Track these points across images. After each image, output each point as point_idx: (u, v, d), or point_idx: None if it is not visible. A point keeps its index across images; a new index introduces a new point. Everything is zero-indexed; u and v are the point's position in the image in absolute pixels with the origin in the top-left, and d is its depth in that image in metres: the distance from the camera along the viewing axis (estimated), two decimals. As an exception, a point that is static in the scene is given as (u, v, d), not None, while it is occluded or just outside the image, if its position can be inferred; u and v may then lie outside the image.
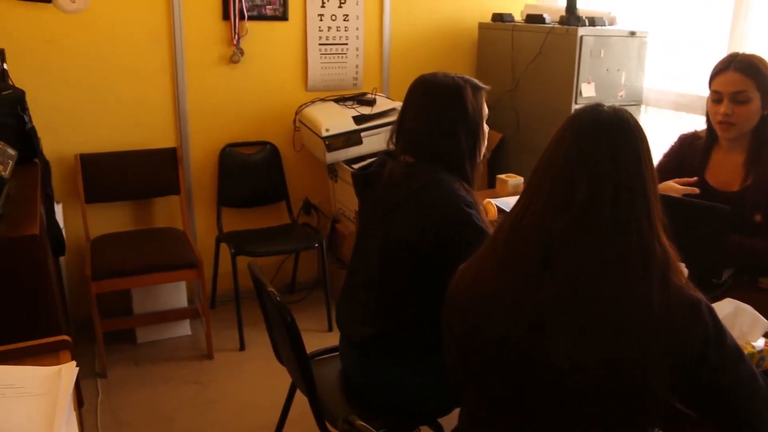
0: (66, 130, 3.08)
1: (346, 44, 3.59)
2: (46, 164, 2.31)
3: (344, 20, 3.54)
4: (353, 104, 3.40)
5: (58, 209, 2.80)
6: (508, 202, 2.49)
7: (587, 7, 3.50)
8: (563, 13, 3.38)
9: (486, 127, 1.84)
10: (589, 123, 1.19)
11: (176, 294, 3.21)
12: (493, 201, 2.48)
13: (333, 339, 2.12)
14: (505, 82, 3.63)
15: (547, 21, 3.46)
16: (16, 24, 2.88)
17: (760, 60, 2.01)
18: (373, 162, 1.93)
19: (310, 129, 3.28)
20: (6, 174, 1.83)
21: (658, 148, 2.18)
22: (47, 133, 2.82)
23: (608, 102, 1.24)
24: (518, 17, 3.77)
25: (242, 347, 3.18)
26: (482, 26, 3.85)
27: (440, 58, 3.84)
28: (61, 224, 2.59)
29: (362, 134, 3.25)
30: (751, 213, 2.00)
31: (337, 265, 3.55)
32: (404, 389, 1.85)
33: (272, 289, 1.81)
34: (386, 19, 3.66)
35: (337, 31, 3.54)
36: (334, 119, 3.24)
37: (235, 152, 3.44)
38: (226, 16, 3.25)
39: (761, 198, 2.00)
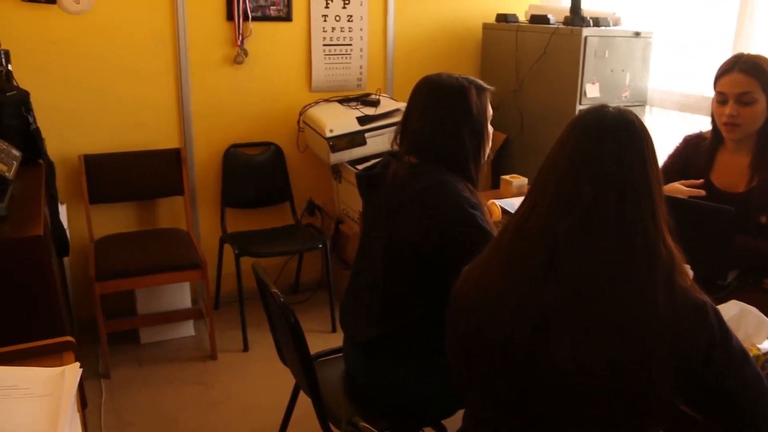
0: (70, 130, 3.09)
1: (350, 45, 3.59)
2: (50, 165, 2.31)
3: (348, 21, 3.54)
4: (357, 105, 3.40)
5: (62, 210, 2.80)
6: (512, 203, 2.49)
7: (592, 8, 3.49)
8: (567, 14, 3.37)
9: (490, 128, 1.83)
10: (594, 124, 1.18)
11: (180, 295, 3.21)
12: (497, 202, 2.47)
13: (337, 340, 2.11)
14: (509, 83, 3.63)
15: (551, 21, 3.45)
16: (21, 25, 2.89)
17: (766, 61, 2.00)
18: (377, 163, 1.93)
19: (314, 130, 3.28)
20: (10, 175, 1.83)
21: (663, 149, 2.17)
22: (51, 134, 2.83)
23: (613, 103, 1.24)
24: (522, 18, 3.76)
25: (246, 348, 3.18)
26: (486, 27, 3.84)
27: (444, 58, 3.84)
28: (65, 225, 2.59)
29: (366, 135, 3.24)
30: (757, 214, 1.99)
31: (341, 266, 3.55)
32: (408, 390, 1.84)
33: (276, 290, 1.81)
34: (390, 19, 3.66)
35: (341, 31, 3.54)
36: (338, 120, 3.24)
37: (239, 153, 3.44)
38: (230, 16, 3.26)
39: (767, 199, 1.99)
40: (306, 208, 3.67)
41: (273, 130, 3.51)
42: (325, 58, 3.54)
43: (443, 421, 1.94)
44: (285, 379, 2.21)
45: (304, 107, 3.43)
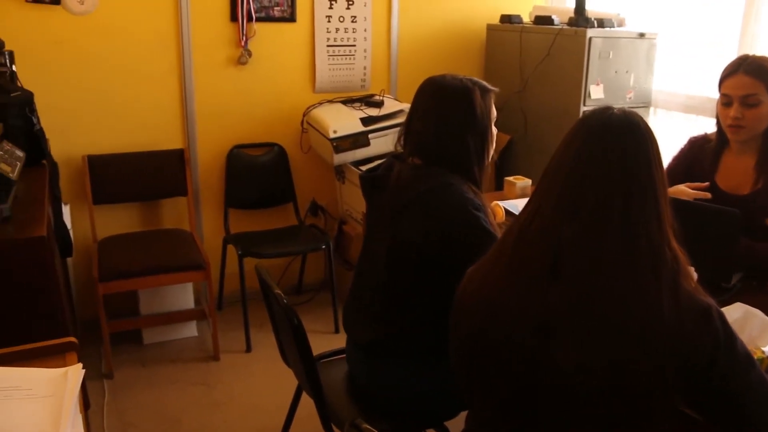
0: (74, 131, 3.09)
1: (354, 46, 3.58)
2: (54, 166, 2.31)
3: (352, 22, 3.54)
4: (361, 106, 3.40)
5: (66, 210, 2.80)
6: (516, 205, 2.48)
7: (596, 9, 3.49)
8: (572, 15, 3.37)
9: (494, 130, 1.83)
10: (599, 126, 1.18)
11: (183, 295, 3.22)
12: (501, 203, 2.47)
13: (339, 341, 2.11)
14: (513, 84, 3.62)
15: (555, 22, 3.45)
16: (25, 26, 2.89)
17: None
18: (380, 164, 1.93)
19: (317, 130, 3.28)
20: (14, 176, 1.83)
21: (667, 150, 2.16)
22: (55, 135, 2.83)
23: (617, 104, 1.24)
24: (527, 19, 3.76)
25: (248, 349, 3.18)
26: (490, 28, 3.84)
27: (448, 59, 3.83)
28: (69, 225, 2.59)
29: (370, 136, 3.24)
30: (762, 216, 1.98)
31: (344, 267, 3.55)
32: (410, 392, 1.84)
33: (279, 292, 1.81)
34: (394, 20, 3.66)
35: (345, 32, 3.54)
36: (342, 121, 3.24)
37: (242, 153, 3.44)
38: (234, 17, 3.26)
39: (772, 201, 1.99)
40: (309, 209, 3.67)
41: (276, 130, 3.51)
42: (328, 58, 3.53)
43: (446, 423, 1.93)
44: (288, 379, 2.21)
45: (308, 108, 3.42)
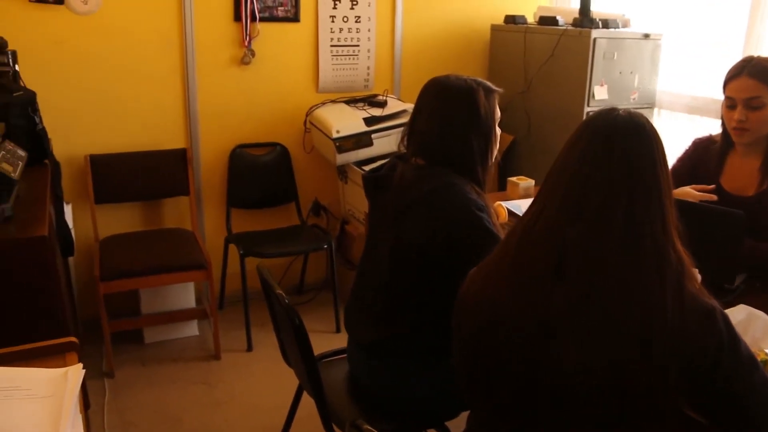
0: (76, 131, 3.09)
1: (358, 46, 3.58)
2: (56, 165, 2.31)
3: (356, 22, 3.53)
4: (364, 106, 3.39)
5: (68, 210, 2.80)
6: (519, 205, 2.48)
7: (601, 10, 3.48)
8: (576, 15, 3.36)
9: (498, 130, 1.82)
10: (604, 127, 1.18)
11: (184, 294, 3.21)
12: (504, 204, 2.46)
13: (341, 340, 2.11)
14: (517, 84, 3.61)
15: (560, 23, 3.44)
16: (28, 25, 2.89)
17: None
18: (383, 164, 1.92)
19: (320, 130, 3.28)
20: (16, 175, 1.83)
21: (671, 151, 2.15)
22: (58, 134, 2.83)
23: (621, 105, 1.24)
24: (531, 19, 3.75)
25: (250, 348, 3.18)
26: (494, 28, 3.83)
27: (452, 60, 3.83)
28: (71, 225, 2.59)
29: (373, 136, 3.24)
30: (767, 218, 1.97)
31: (346, 267, 3.55)
32: (412, 392, 1.84)
33: (280, 292, 1.80)
34: (398, 20, 3.65)
35: (349, 32, 3.53)
36: (345, 121, 3.23)
37: (245, 153, 3.44)
38: (237, 17, 3.25)
39: (777, 203, 1.98)
40: (311, 209, 3.66)
41: (279, 130, 3.50)
42: (332, 58, 3.53)
43: (447, 423, 1.93)
44: (289, 379, 2.20)
45: (311, 108, 3.42)
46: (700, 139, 2.26)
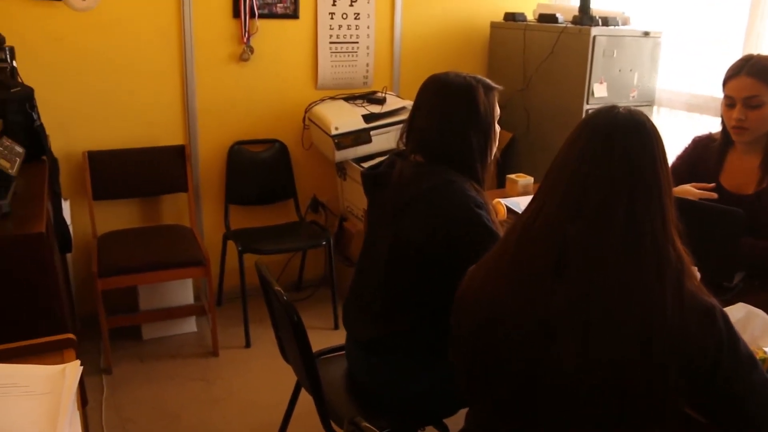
0: (74, 127, 3.08)
1: (357, 43, 3.57)
2: (54, 161, 2.30)
3: (355, 19, 3.52)
4: (363, 103, 3.39)
5: (66, 206, 2.79)
6: (518, 202, 2.48)
7: (601, 7, 3.47)
8: (576, 13, 3.36)
9: (498, 128, 1.82)
10: (604, 125, 1.17)
11: (182, 291, 3.21)
12: (503, 201, 2.46)
13: (339, 337, 2.11)
14: (516, 82, 3.61)
15: (559, 20, 3.44)
16: (26, 21, 2.88)
17: None
18: (382, 162, 1.92)
19: (319, 127, 3.27)
20: (13, 171, 1.82)
21: (670, 149, 2.15)
22: (56, 131, 2.82)
23: (620, 103, 1.23)
24: (531, 17, 3.75)
25: (248, 344, 3.18)
26: (494, 25, 3.83)
27: (451, 57, 3.82)
28: (69, 221, 2.59)
29: (372, 133, 3.23)
30: (766, 216, 1.97)
31: (345, 264, 3.54)
32: (410, 389, 1.84)
33: (279, 289, 1.80)
34: (397, 17, 3.64)
35: (348, 29, 3.53)
36: (344, 118, 3.23)
37: (243, 150, 3.43)
38: (236, 13, 3.24)
39: (777, 201, 1.98)
40: (310, 206, 3.66)
41: (278, 127, 3.50)
42: (331, 55, 3.52)
43: (445, 420, 1.93)
44: (287, 375, 2.20)
45: (310, 105, 3.41)
46: (699, 137, 2.25)
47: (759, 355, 1.40)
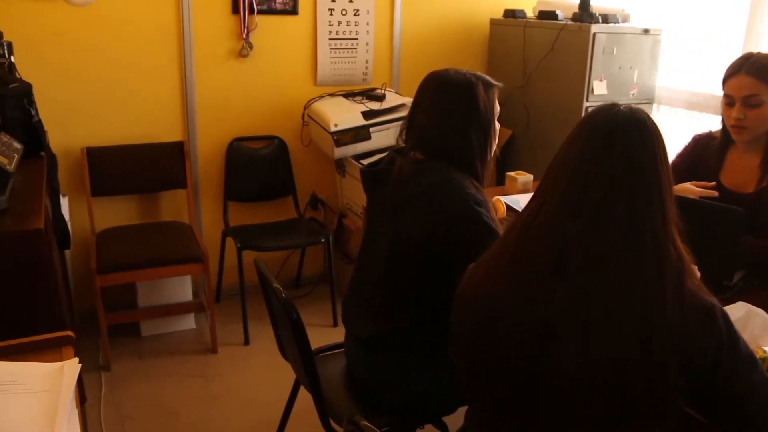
0: (73, 123, 3.07)
1: (356, 39, 3.56)
2: (52, 157, 2.29)
3: (355, 15, 3.52)
4: (362, 99, 3.38)
5: (64, 202, 2.79)
6: (517, 200, 2.47)
7: (601, 4, 3.47)
8: (576, 10, 3.35)
9: (497, 125, 1.81)
10: (605, 122, 1.17)
11: (181, 288, 3.21)
12: (502, 198, 2.45)
13: (338, 334, 2.11)
14: (516, 79, 3.60)
15: (559, 17, 3.43)
16: (25, 17, 2.87)
17: None
18: (381, 159, 1.92)
19: (318, 124, 3.27)
20: (11, 168, 1.81)
21: (670, 147, 2.15)
22: (54, 127, 2.82)
23: (620, 100, 1.23)
24: (530, 13, 3.74)
25: (247, 341, 3.17)
26: (494, 22, 3.82)
27: (451, 53, 3.82)
28: (67, 217, 2.58)
29: (371, 130, 3.23)
30: (766, 215, 1.97)
31: (344, 261, 3.54)
32: (409, 387, 1.84)
33: (278, 286, 1.79)
34: (397, 14, 3.63)
35: (348, 25, 3.52)
36: (343, 114, 3.22)
37: (242, 146, 3.43)
38: (235, 9, 3.23)
39: (777, 200, 1.98)
40: (309, 203, 3.66)
41: (277, 123, 3.49)
42: (330, 52, 3.51)
43: (444, 419, 1.93)
44: (286, 373, 2.20)
45: (309, 101, 3.41)
46: (699, 135, 2.25)
47: (759, 354, 1.40)
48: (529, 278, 1.18)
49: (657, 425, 1.16)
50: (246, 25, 3.26)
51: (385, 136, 3.22)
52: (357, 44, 3.57)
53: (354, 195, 3.39)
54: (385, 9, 3.61)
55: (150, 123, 3.23)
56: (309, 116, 3.38)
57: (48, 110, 2.59)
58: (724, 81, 2.02)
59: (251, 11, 3.26)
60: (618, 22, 3.31)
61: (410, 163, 1.78)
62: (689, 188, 2.05)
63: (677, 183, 2.05)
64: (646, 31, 3.32)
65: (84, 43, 3.01)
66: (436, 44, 3.79)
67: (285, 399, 2.17)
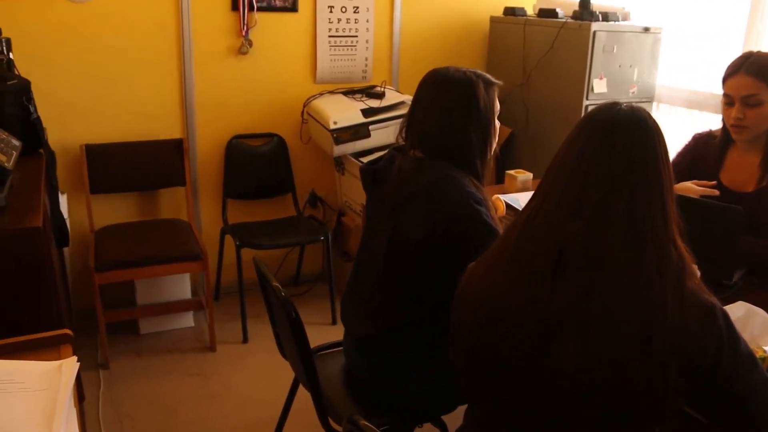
0: (72, 120, 3.07)
1: (356, 36, 3.56)
2: (51, 154, 2.29)
3: (354, 12, 3.51)
4: (362, 97, 3.37)
5: (63, 200, 2.78)
6: (517, 198, 2.47)
7: (601, 2, 3.46)
8: (576, 8, 3.34)
9: (497, 123, 1.81)
10: (605, 121, 1.17)
11: (180, 285, 3.20)
12: (502, 197, 2.45)
13: (336, 332, 2.10)
14: (515, 77, 3.60)
15: (559, 15, 3.43)
16: (24, 13, 2.86)
17: None
18: (381, 157, 1.91)
19: (317, 121, 3.26)
20: (10, 165, 1.81)
21: (669, 146, 2.14)
22: (53, 123, 2.81)
23: (619, 98, 1.23)
24: (530, 11, 3.74)
25: (245, 339, 3.17)
26: (494, 20, 3.81)
27: (451, 51, 3.81)
28: (66, 215, 2.57)
29: (370, 127, 3.22)
30: (766, 214, 1.97)
31: (343, 258, 3.54)
32: (408, 386, 1.83)
33: (277, 284, 1.79)
34: (397, 11, 3.63)
35: (347, 23, 3.51)
36: (343, 112, 3.22)
37: (241, 144, 3.42)
38: (235, 6, 3.23)
39: (777, 199, 1.97)
40: (308, 200, 3.65)
41: (276, 121, 3.49)
42: (330, 49, 3.51)
43: (443, 417, 1.93)
44: (284, 371, 2.20)
45: (309, 99, 3.40)
46: (700, 134, 2.25)
47: (759, 354, 1.40)
48: (529, 278, 1.18)
49: (657, 425, 1.16)
50: (245, 22, 3.25)
51: (384, 134, 3.22)
52: (357, 41, 3.56)
53: (353, 193, 3.39)
54: (384, 6, 3.60)
55: (149, 120, 3.22)
56: (308, 114, 3.38)
57: (47, 107, 2.58)
58: (724, 80, 2.02)
59: (251, 8, 3.25)
60: (618, 21, 3.31)
61: (410, 161, 1.78)
62: (690, 187, 2.04)
63: (677, 182, 2.05)
64: (647, 30, 3.31)
65: (83, 40, 3.00)
66: (436, 42, 3.78)
67: (284, 397, 2.17)
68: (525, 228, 1.21)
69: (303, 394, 1.98)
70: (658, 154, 1.15)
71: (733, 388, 1.13)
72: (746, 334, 1.49)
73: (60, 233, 2.26)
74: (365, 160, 3.06)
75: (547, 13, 3.47)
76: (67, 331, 1.35)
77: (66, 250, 2.90)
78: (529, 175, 2.72)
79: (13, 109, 2.12)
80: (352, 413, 1.29)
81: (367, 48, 3.60)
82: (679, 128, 3.32)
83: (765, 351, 1.43)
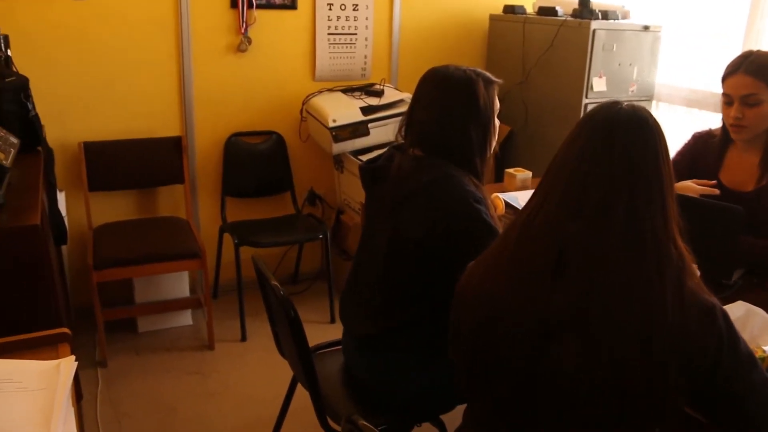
0: (70, 117, 3.06)
1: (355, 34, 3.55)
2: (49, 152, 2.29)
3: (354, 10, 3.50)
4: (361, 95, 3.37)
5: (61, 197, 2.78)
6: (516, 197, 2.47)
7: (601, 1, 3.46)
8: (576, 6, 3.34)
9: (497, 122, 1.81)
10: (605, 121, 1.16)
11: (178, 283, 3.20)
12: (501, 195, 2.45)
13: (335, 331, 2.10)
14: (515, 75, 3.59)
15: (559, 14, 3.42)
16: (22, 9, 2.85)
17: None
18: (380, 155, 1.91)
19: (316, 119, 3.25)
20: (7, 162, 1.80)
21: (669, 145, 2.14)
22: (51, 121, 2.81)
23: (619, 97, 1.22)
24: (530, 9, 3.73)
25: (244, 338, 3.17)
26: (493, 18, 3.81)
27: (450, 49, 3.80)
28: (64, 212, 2.57)
29: (369, 125, 3.22)
30: (766, 213, 1.96)
31: (341, 257, 3.53)
32: (407, 385, 1.83)
33: (276, 283, 1.79)
34: (396, 9, 3.62)
35: (347, 20, 3.50)
36: (342, 110, 3.21)
37: (240, 142, 3.41)
38: (234, 4, 3.22)
39: (776, 198, 1.97)
40: (307, 198, 3.65)
41: (275, 119, 3.48)
42: (329, 47, 3.50)
43: (442, 417, 1.92)
44: (283, 369, 2.19)
45: (308, 96, 3.39)
46: (699, 133, 2.24)
47: (758, 354, 1.40)
48: (529, 278, 1.18)
49: (657, 425, 1.16)
50: (244, 19, 3.24)
51: (383, 132, 3.21)
52: (356, 39, 3.56)
53: (352, 191, 3.38)
54: (384, 4, 3.59)
55: (148, 118, 3.21)
56: (307, 111, 3.37)
57: (45, 104, 2.58)
58: (723, 80, 2.02)
59: (250, 6, 3.24)
60: (618, 19, 3.30)
61: (409, 159, 1.77)
62: (690, 186, 2.04)
63: (677, 181, 2.04)
64: (646, 28, 3.31)
65: (81, 37, 2.99)
66: (435, 40, 3.77)
67: (282, 396, 2.16)
68: (525, 227, 1.21)
69: (301, 393, 1.97)
70: (658, 154, 1.15)
71: (733, 388, 1.13)
72: (746, 334, 1.49)
73: (58, 231, 2.26)
74: (364, 158, 3.06)
75: (547, 11, 3.47)
76: (65, 329, 1.35)
77: (64, 247, 2.90)
78: (529, 174, 2.71)
79: (11, 107, 2.11)
80: (350, 412, 1.29)
81: (366, 46, 3.59)
82: (678, 127, 3.31)
83: (765, 351, 1.43)
